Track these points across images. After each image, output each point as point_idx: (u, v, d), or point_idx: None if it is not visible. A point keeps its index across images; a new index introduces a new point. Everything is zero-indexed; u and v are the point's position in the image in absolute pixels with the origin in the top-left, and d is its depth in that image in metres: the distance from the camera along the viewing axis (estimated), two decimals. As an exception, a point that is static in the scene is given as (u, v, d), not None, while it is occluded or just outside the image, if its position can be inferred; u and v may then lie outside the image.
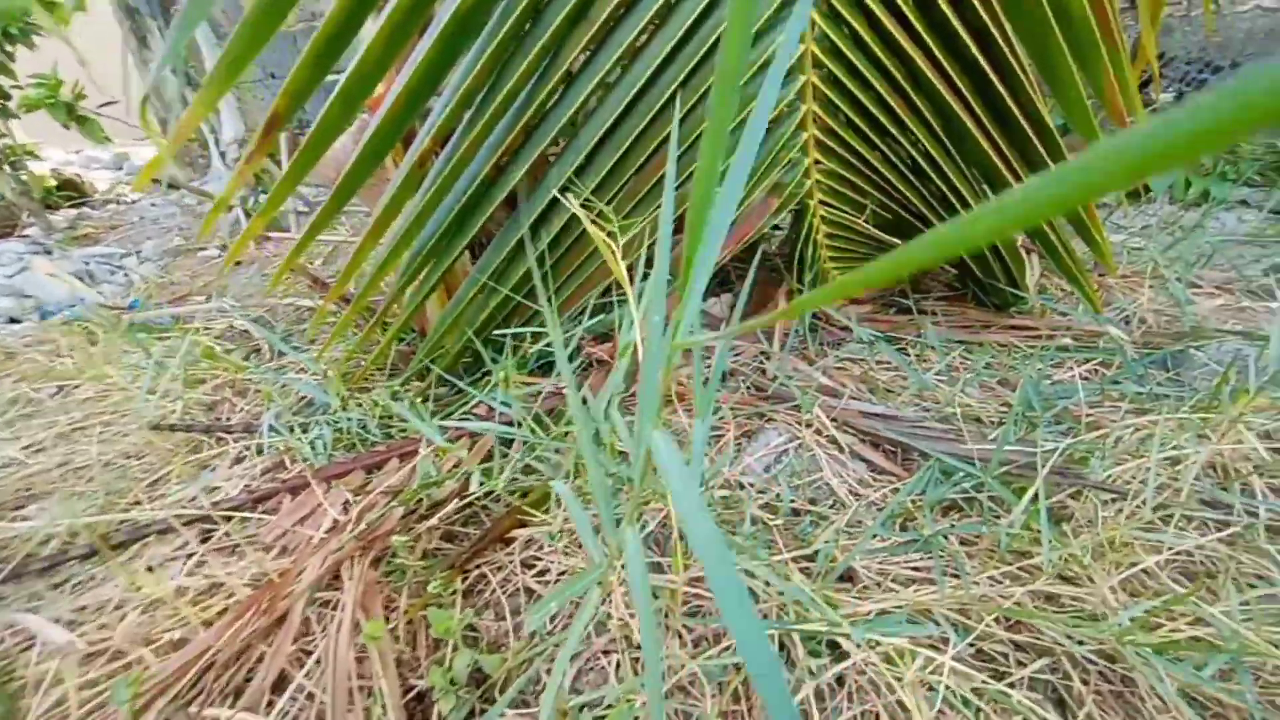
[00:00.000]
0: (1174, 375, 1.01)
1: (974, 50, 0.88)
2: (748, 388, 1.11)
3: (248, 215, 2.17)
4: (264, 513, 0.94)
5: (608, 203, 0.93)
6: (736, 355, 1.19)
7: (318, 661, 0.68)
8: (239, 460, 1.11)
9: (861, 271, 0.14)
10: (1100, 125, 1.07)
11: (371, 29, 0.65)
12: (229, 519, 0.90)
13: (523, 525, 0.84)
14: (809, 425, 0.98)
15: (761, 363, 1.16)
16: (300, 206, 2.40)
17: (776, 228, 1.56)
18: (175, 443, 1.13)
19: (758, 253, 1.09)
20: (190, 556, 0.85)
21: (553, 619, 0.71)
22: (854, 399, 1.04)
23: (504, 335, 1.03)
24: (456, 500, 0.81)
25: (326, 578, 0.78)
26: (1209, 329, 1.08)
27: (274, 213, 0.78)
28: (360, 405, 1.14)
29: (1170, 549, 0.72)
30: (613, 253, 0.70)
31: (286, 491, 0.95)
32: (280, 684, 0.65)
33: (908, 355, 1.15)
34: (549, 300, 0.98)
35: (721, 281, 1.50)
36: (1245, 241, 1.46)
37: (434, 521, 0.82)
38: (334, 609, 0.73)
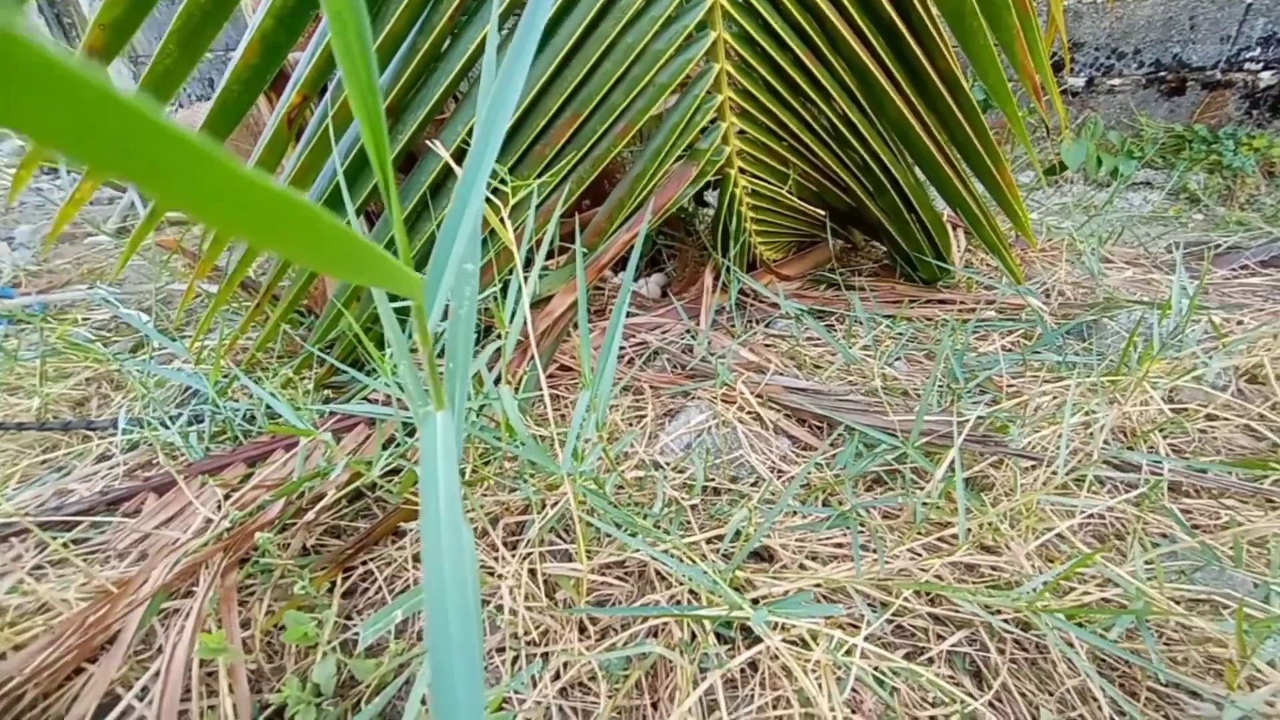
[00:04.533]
0: (1089, 345, 1.02)
1: (890, 11, 0.85)
2: (672, 366, 1.06)
3: (143, 198, 1.98)
4: (125, 515, 0.83)
5: (511, 169, 0.86)
6: (662, 333, 1.14)
7: (157, 676, 0.58)
8: (105, 458, 0.98)
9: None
10: (1018, 98, 1.07)
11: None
12: (75, 525, 0.79)
13: (418, 516, 0.77)
14: (731, 402, 0.94)
15: (688, 340, 1.11)
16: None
17: (704, 202, 1.52)
18: (25, 443, 1.00)
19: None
20: (23, 571, 0.73)
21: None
22: (779, 374, 1.01)
23: (405, 312, 0.95)
24: (335, 491, 0.73)
25: (183, 585, 0.68)
26: (1120, 299, 1.10)
27: (94, 188, 0.67)
28: (248, 394, 1.03)
29: (1083, 512, 0.71)
30: (500, 221, 0.64)
31: (150, 491, 0.84)
32: (108, 709, 0.55)
33: (835, 330, 1.13)
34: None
35: (651, 260, 1.44)
36: (1149, 220, 1.51)
37: (313, 516, 0.74)
38: (187, 619, 0.64)
